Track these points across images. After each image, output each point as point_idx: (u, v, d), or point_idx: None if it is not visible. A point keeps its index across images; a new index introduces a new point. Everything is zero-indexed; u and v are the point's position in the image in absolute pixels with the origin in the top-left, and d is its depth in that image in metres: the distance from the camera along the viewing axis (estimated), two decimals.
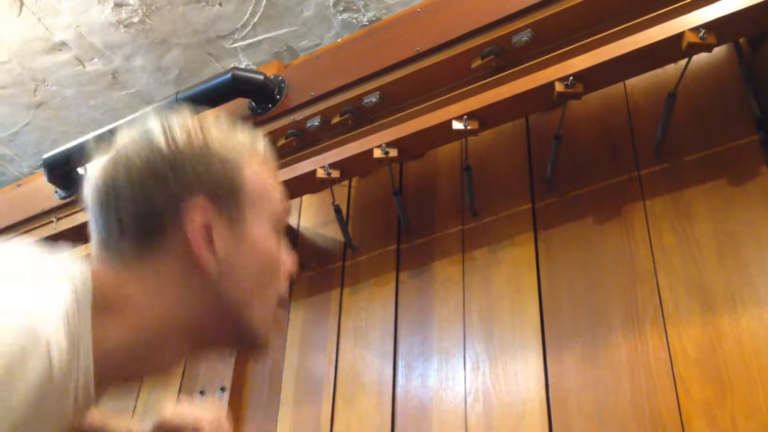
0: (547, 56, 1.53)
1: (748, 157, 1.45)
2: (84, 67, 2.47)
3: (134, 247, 0.77)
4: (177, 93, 1.91)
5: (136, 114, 1.86)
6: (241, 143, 0.83)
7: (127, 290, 0.75)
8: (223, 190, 0.79)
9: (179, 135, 0.79)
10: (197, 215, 0.76)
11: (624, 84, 1.68)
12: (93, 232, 0.80)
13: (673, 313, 1.40)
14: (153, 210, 0.76)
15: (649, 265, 1.47)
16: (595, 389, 1.41)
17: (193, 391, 1.98)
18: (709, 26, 1.33)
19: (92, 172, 0.80)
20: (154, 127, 0.79)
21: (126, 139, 0.80)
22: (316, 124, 1.78)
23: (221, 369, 1.98)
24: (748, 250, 1.38)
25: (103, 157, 0.80)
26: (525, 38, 1.55)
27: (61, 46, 2.37)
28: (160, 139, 0.78)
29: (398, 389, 1.66)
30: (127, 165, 0.78)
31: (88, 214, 0.80)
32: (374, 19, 2.19)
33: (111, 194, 0.78)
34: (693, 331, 1.37)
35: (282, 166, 1.80)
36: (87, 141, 1.97)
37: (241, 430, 1.89)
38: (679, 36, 1.35)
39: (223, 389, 1.94)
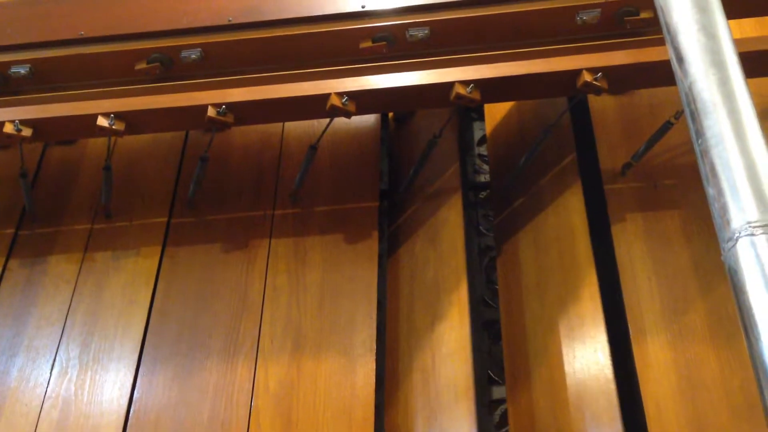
0: (209, 80, 1.54)
1: (365, 220, 1.60)
2: None
3: None
4: None
5: None
6: None
7: None
8: None
9: None
10: None
11: (283, 127, 1.77)
12: None
13: (267, 349, 1.48)
14: None
15: (259, 300, 1.53)
16: (177, 410, 1.43)
17: None
18: (352, 95, 1.44)
19: None
20: None
21: None
22: None
23: None
24: (344, 302, 1.51)
25: None
26: (194, 56, 1.56)
27: None
28: None
29: None
30: None
31: None
32: None
33: None
34: (279, 367, 1.45)
35: None
36: None
37: None
38: (326, 96, 1.45)
39: None
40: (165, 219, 1.67)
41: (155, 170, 1.76)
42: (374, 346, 1.45)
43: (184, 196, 1.69)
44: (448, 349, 1.43)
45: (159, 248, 1.63)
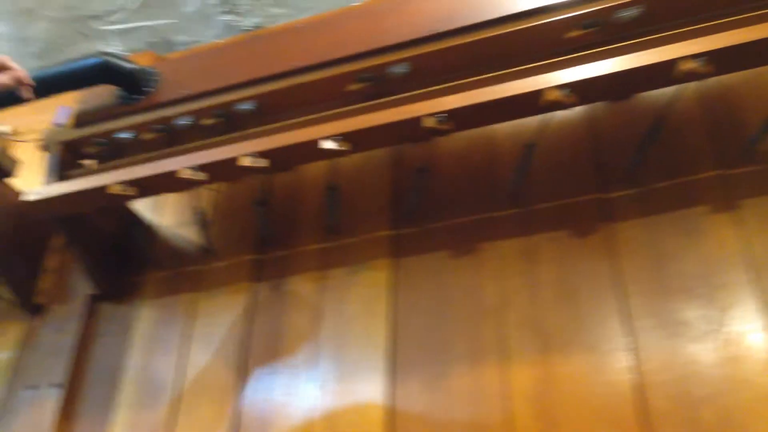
0: (420, 91, 1.58)
1: (589, 212, 1.57)
2: None
3: None
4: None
5: None
6: None
7: None
8: None
9: None
10: None
11: (491, 127, 1.77)
12: None
13: (511, 350, 1.49)
14: None
15: (495, 302, 1.55)
16: (432, 416, 1.48)
17: (22, 386, 1.88)
18: (568, 87, 1.42)
19: None
20: None
21: None
22: (186, 122, 1.74)
23: (55, 364, 1.89)
24: (582, 298, 1.49)
25: None
26: (402, 70, 1.60)
27: None
28: None
29: (243, 400, 1.66)
30: None
31: None
32: (257, 25, 2.17)
33: None
34: (527, 368, 1.46)
35: (146, 161, 1.75)
36: None
37: (71, 430, 1.81)
38: (542, 92, 1.43)
39: (56, 385, 1.85)
40: (389, 232, 1.73)
41: (371, 185, 1.83)
42: (624, 342, 1.42)
43: (402, 208, 1.74)
44: None
45: (388, 260, 1.69)
